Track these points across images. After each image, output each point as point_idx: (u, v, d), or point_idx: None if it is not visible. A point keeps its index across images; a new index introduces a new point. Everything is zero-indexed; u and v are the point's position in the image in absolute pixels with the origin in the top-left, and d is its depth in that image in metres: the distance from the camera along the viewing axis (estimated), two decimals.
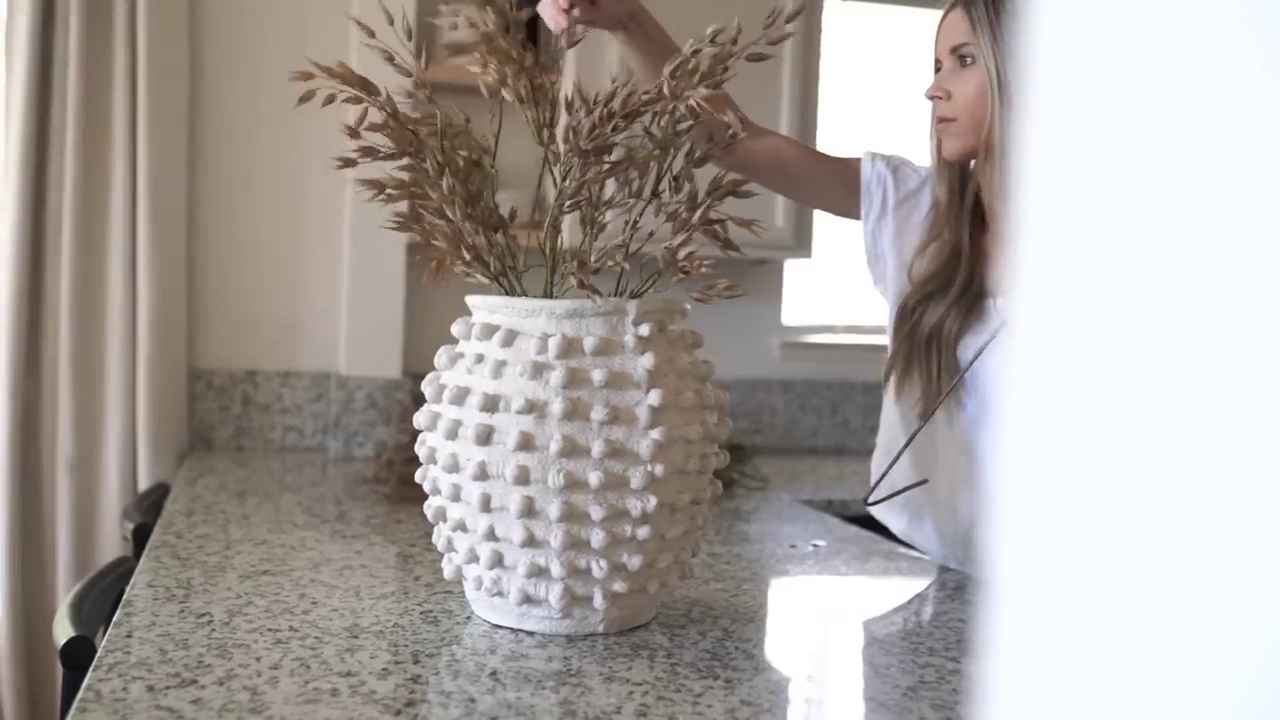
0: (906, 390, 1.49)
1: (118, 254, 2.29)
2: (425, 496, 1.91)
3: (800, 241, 2.63)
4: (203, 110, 2.43)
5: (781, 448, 2.90)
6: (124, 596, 1.27)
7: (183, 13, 2.35)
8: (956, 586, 1.48)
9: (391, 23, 1.23)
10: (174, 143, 2.34)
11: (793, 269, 2.94)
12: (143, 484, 2.30)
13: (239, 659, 1.06)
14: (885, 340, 3.05)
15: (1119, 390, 0.26)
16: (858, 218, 1.59)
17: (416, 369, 2.53)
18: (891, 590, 1.50)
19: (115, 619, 1.17)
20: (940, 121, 1.43)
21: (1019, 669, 0.29)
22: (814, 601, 1.48)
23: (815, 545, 1.73)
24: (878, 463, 1.67)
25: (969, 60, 1.40)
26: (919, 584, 1.50)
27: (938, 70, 1.46)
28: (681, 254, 1.18)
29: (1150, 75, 0.26)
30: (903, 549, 1.68)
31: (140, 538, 1.77)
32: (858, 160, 1.60)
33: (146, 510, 1.95)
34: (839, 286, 3.04)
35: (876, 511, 1.72)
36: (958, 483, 1.50)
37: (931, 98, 1.44)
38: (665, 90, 1.18)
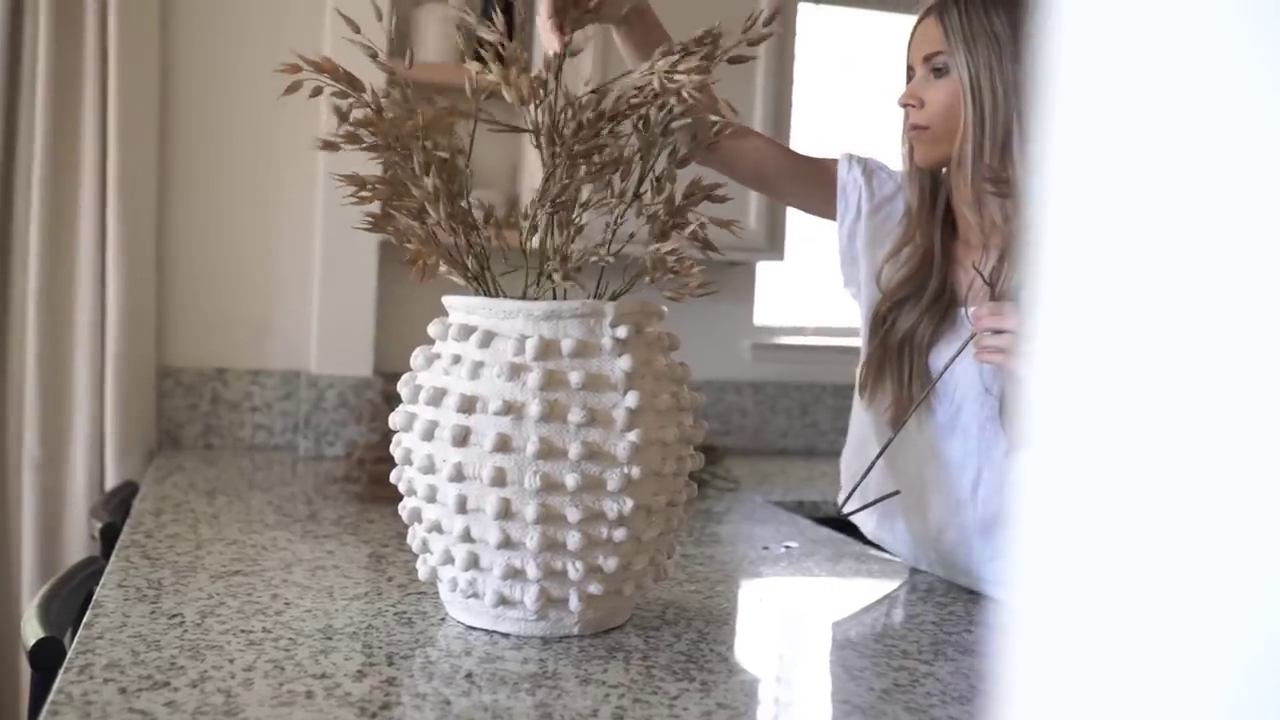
0: (879, 397, 1.50)
1: (87, 250, 2.26)
2: (397, 496, 1.90)
3: (772, 243, 2.64)
4: (174, 106, 2.41)
5: (751, 449, 2.91)
6: (94, 597, 1.25)
7: (154, 7, 2.33)
8: (927, 589, 1.49)
9: (380, 18, 1.22)
10: (144, 139, 2.32)
11: (764, 270, 2.95)
12: (110, 482, 2.28)
13: (212, 661, 1.05)
14: (855, 343, 3.06)
15: (1138, 399, 0.26)
16: (834, 219, 1.60)
17: (388, 368, 2.52)
18: (863, 592, 1.51)
19: (85, 620, 1.16)
20: (913, 129, 1.44)
21: (1039, 679, 0.30)
22: (787, 603, 1.49)
23: (787, 547, 1.74)
24: (847, 466, 1.68)
25: (942, 69, 1.40)
26: (890, 586, 1.51)
27: (910, 77, 1.47)
28: (670, 255, 1.18)
29: (1168, 78, 0.26)
30: (874, 551, 1.69)
31: (108, 537, 1.75)
32: (834, 162, 1.61)
33: (114, 509, 1.94)
34: (810, 288, 3.05)
35: (846, 512, 1.73)
36: (928, 489, 1.51)
37: (904, 105, 1.44)
38: (656, 83, 1.18)
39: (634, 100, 1.22)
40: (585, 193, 1.26)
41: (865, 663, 1.17)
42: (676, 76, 1.17)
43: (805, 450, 3.00)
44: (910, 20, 1.48)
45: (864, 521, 1.68)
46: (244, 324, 2.49)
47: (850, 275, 1.60)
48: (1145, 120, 0.27)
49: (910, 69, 1.46)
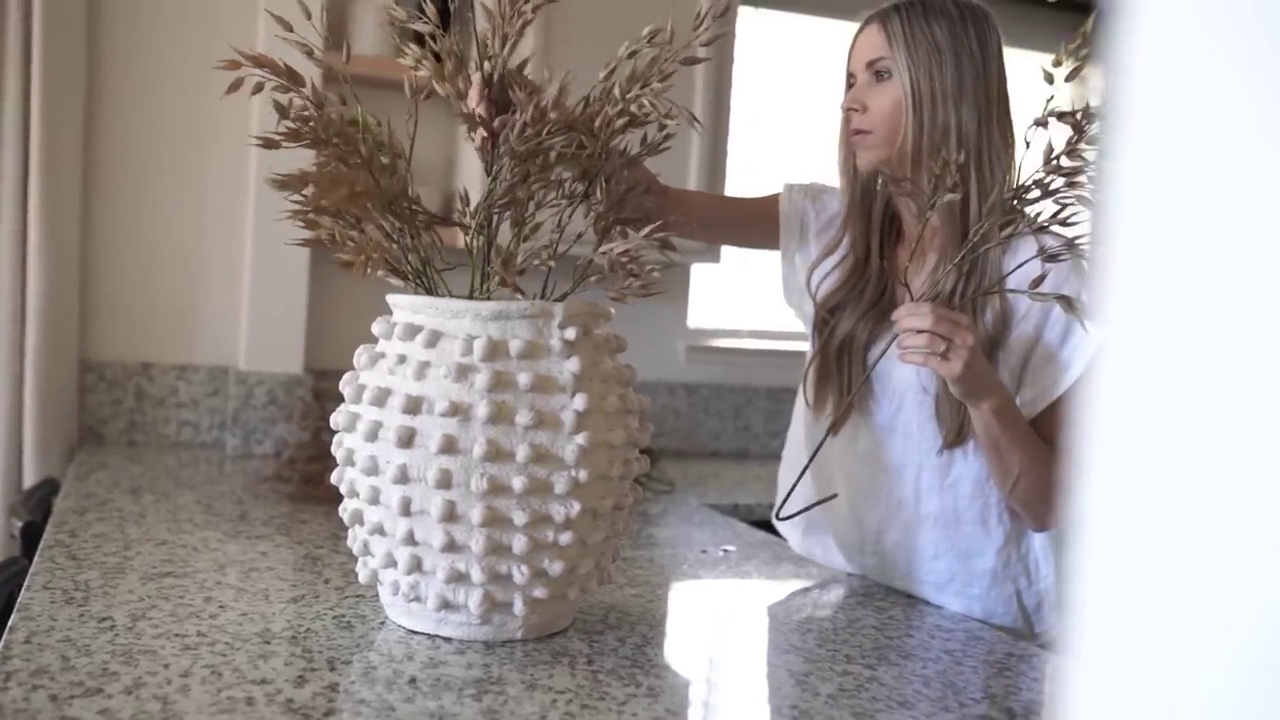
0: (823, 403, 1.51)
1: (6, 240, 2.19)
2: (330, 496, 1.88)
3: (709, 246, 2.64)
4: (101, 97, 2.34)
5: (685, 451, 2.91)
6: (18, 600, 1.21)
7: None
8: (866, 593, 1.50)
9: (309, 16, 1.19)
10: (69, 130, 2.25)
11: (699, 273, 2.96)
12: (28, 480, 2.21)
13: (146, 666, 1.02)
14: (789, 346, 3.09)
15: (1205, 405, 0.26)
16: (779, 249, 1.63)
17: (319, 365, 2.48)
18: (804, 597, 1.51)
19: (11, 623, 1.12)
20: (855, 134, 1.45)
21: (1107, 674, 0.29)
22: (729, 608, 1.49)
23: (725, 550, 1.74)
24: (784, 476, 1.69)
25: (885, 74, 1.42)
26: (830, 590, 1.52)
27: (851, 84, 1.48)
28: (624, 257, 1.17)
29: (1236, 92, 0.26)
30: (805, 549, 1.70)
31: (29, 537, 1.69)
32: (776, 197, 1.63)
33: (34, 507, 1.88)
34: (745, 291, 3.06)
35: (777, 525, 1.73)
36: (860, 494, 1.52)
37: (847, 110, 1.46)
38: (616, 93, 1.17)
39: (585, 109, 1.21)
40: (540, 193, 1.25)
41: (810, 668, 1.17)
42: (638, 90, 1.17)
43: (738, 453, 3.01)
44: (848, 26, 1.49)
45: (791, 535, 1.70)
46: (170, 318, 2.43)
47: (792, 299, 1.62)
48: (1211, 133, 0.27)
49: (851, 76, 1.48)
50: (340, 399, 2.20)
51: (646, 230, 1.18)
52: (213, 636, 1.12)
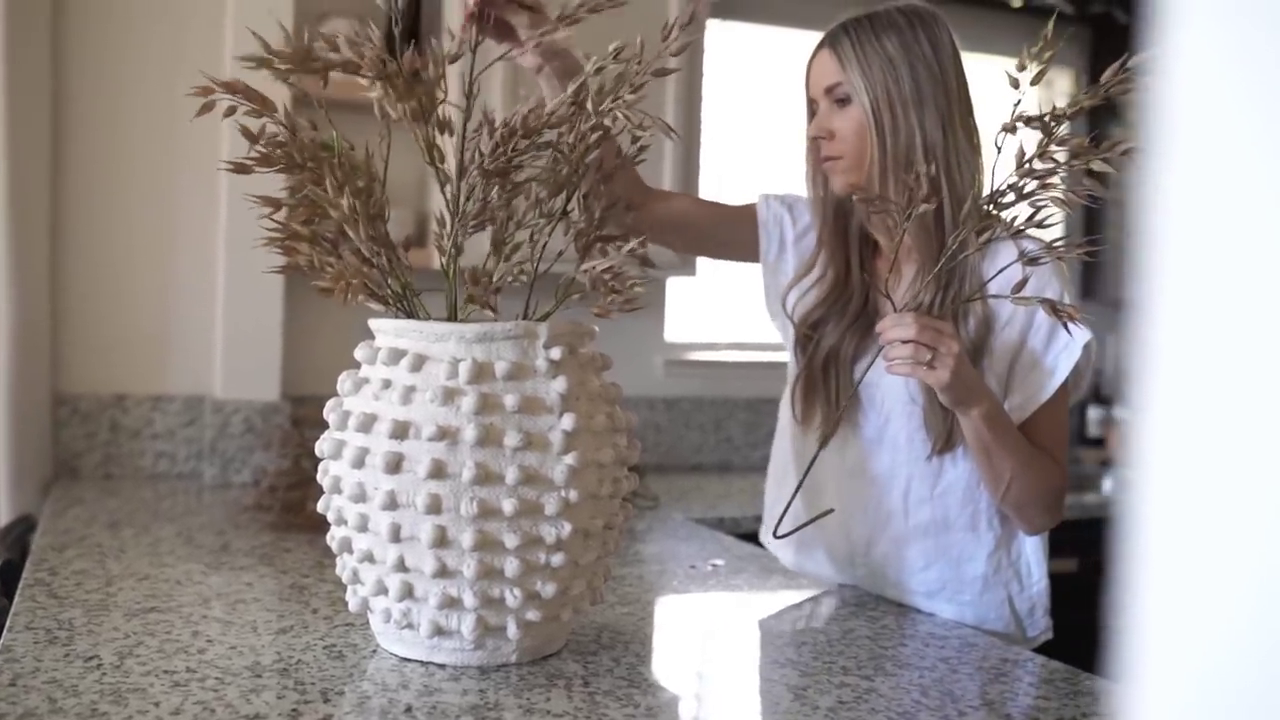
0: (811, 418, 1.51)
1: None
2: (311, 524, 1.86)
3: (684, 259, 2.63)
4: (68, 125, 2.32)
5: (666, 465, 2.90)
6: (0, 641, 1.19)
7: (45, 25, 2.24)
8: (857, 603, 1.49)
9: (287, 40, 1.18)
10: (36, 159, 2.22)
11: (676, 286, 2.95)
12: (3, 517, 2.18)
13: (136, 705, 1.00)
14: (767, 357, 3.10)
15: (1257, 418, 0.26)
16: (759, 260, 1.62)
17: (297, 391, 2.46)
18: (795, 609, 1.51)
19: None
20: (826, 160, 1.46)
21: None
22: (721, 623, 1.48)
23: (714, 565, 1.73)
24: (771, 490, 1.69)
25: (844, 99, 1.43)
26: (822, 602, 1.52)
27: (812, 111, 1.49)
28: (608, 273, 1.16)
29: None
30: (793, 563, 1.69)
31: (8, 576, 1.66)
32: (753, 205, 1.64)
33: (11, 545, 1.84)
34: (722, 303, 3.06)
35: (767, 544, 1.73)
36: (854, 505, 1.52)
37: (816, 138, 1.46)
38: (589, 107, 1.17)
39: (552, 118, 1.21)
40: (520, 211, 1.24)
41: (808, 681, 1.17)
42: (611, 102, 1.16)
43: (720, 466, 3.01)
44: (816, 36, 1.50)
45: (783, 553, 1.69)
46: (144, 348, 2.40)
47: (775, 310, 1.61)
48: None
49: (812, 103, 1.49)
50: (319, 425, 2.18)
51: (628, 247, 1.18)
52: (202, 672, 1.10)
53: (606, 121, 1.17)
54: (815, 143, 1.47)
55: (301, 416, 2.33)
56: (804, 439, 1.53)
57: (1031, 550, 1.48)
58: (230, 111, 1.16)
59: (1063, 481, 1.41)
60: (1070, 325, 1.27)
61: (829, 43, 1.45)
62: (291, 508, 1.94)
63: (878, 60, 1.40)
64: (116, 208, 2.37)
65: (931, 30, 1.42)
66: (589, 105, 1.17)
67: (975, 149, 1.42)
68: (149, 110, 2.37)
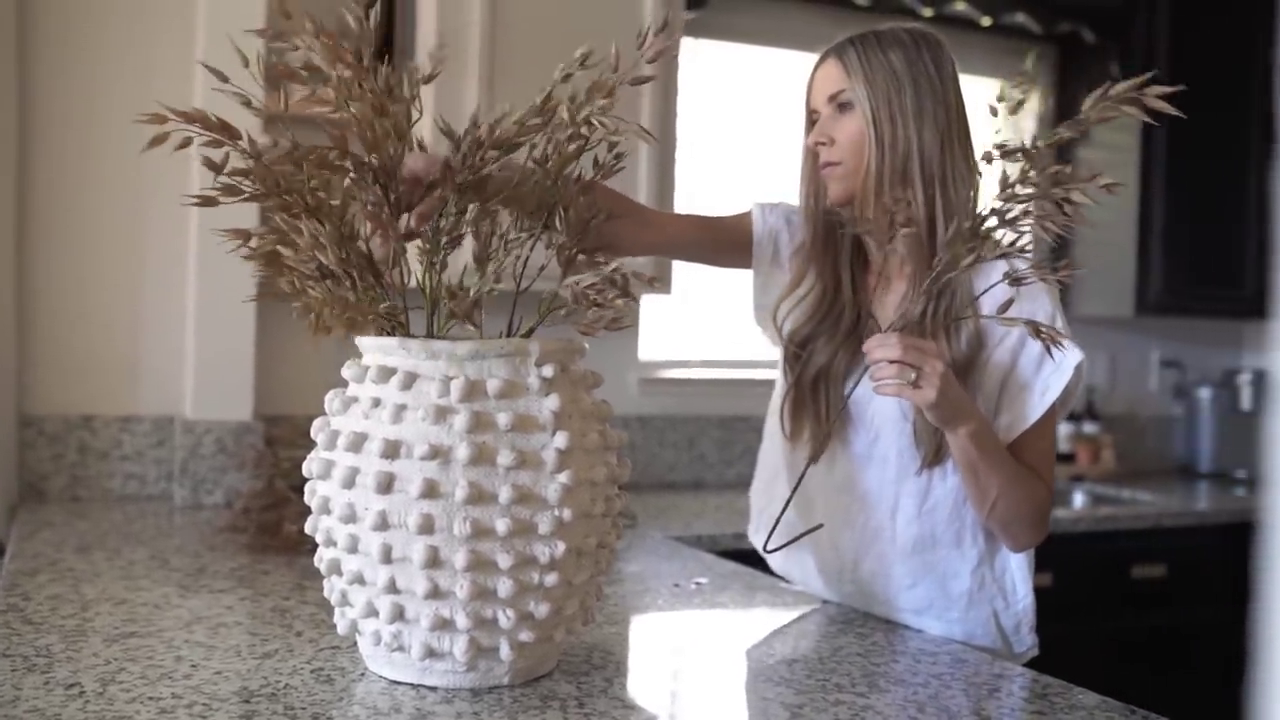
0: (800, 433, 1.51)
1: None
2: (288, 545, 1.84)
3: (659, 277, 2.63)
4: (34, 140, 2.28)
5: (641, 483, 2.89)
6: None
7: (10, 40, 2.21)
8: (845, 620, 1.49)
9: (246, 64, 1.15)
10: (2, 172, 2.19)
11: (650, 304, 2.95)
12: None
13: None
14: (740, 375, 3.10)
15: None
16: (750, 268, 1.62)
17: (269, 411, 2.42)
18: (784, 627, 1.50)
19: None
20: (825, 167, 1.47)
21: None
22: (711, 641, 1.47)
23: (698, 583, 1.72)
24: (757, 501, 1.68)
25: (847, 105, 1.44)
26: (809, 619, 1.51)
27: (812, 122, 1.50)
28: (591, 289, 1.15)
29: None
30: (784, 584, 1.69)
31: None
32: (747, 215, 1.63)
33: None
34: (695, 322, 3.06)
35: (755, 542, 1.72)
36: (842, 521, 1.51)
37: (815, 145, 1.47)
38: (565, 115, 1.16)
39: (525, 124, 1.19)
40: (503, 225, 1.23)
41: (803, 699, 1.16)
42: (586, 108, 1.15)
43: (693, 483, 3.00)
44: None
45: (772, 556, 1.68)
46: (112, 367, 2.37)
47: (764, 319, 1.61)
48: None
49: (813, 113, 1.50)
50: (294, 445, 2.17)
51: (608, 270, 1.17)
52: (189, 698, 1.08)
53: (584, 130, 1.17)
54: (813, 152, 1.49)
55: (275, 436, 2.30)
56: (794, 454, 1.52)
57: (1016, 566, 1.48)
58: (185, 143, 1.14)
59: (1048, 498, 1.42)
60: (1054, 348, 1.28)
61: (835, 53, 1.47)
62: (267, 529, 1.91)
63: (882, 71, 1.42)
64: (85, 224, 2.33)
65: (935, 52, 1.45)
66: (565, 113, 1.16)
67: (971, 170, 1.43)
68: (118, 128, 2.33)
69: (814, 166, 1.50)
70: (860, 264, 1.53)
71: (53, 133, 2.30)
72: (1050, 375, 1.38)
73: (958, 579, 1.46)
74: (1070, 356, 1.37)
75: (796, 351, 1.52)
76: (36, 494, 2.29)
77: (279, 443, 2.21)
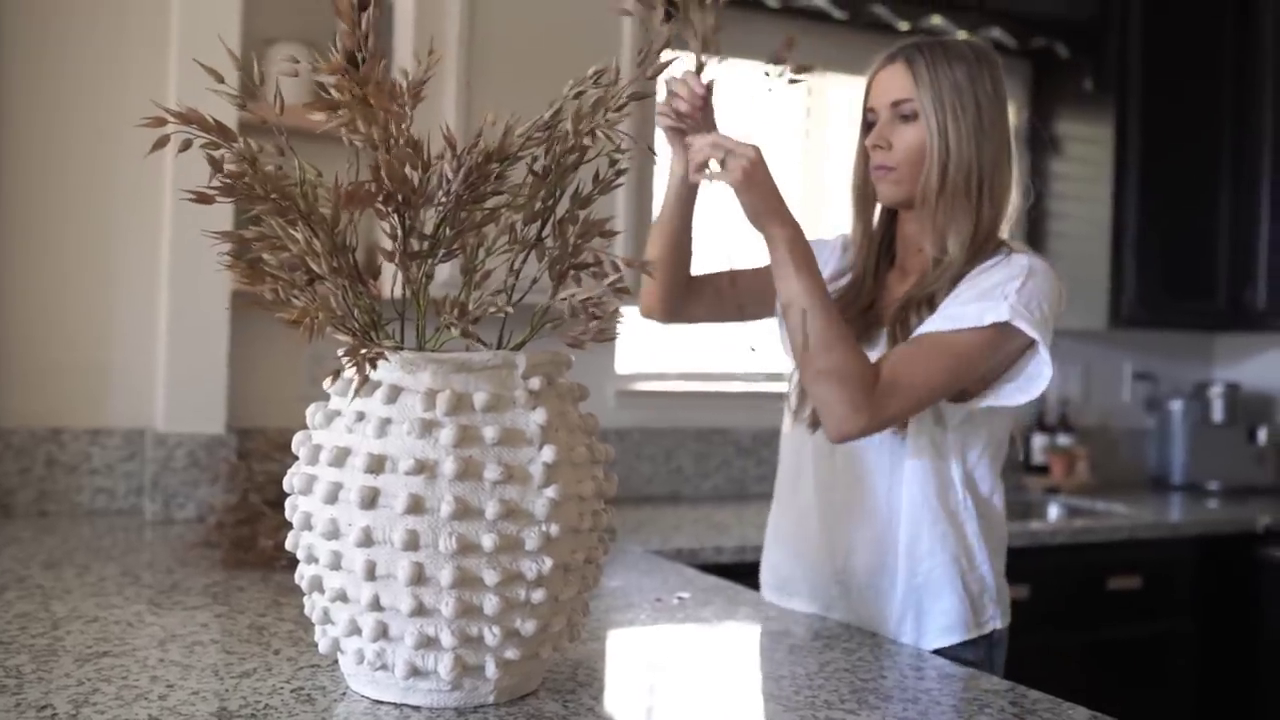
0: (802, 409, 1.57)
1: None
2: (263, 560, 1.81)
3: (636, 290, 2.62)
4: (3, 144, 2.24)
5: (617, 497, 2.86)
6: None
7: None
8: (830, 635, 1.48)
9: (255, 76, 1.13)
10: None
11: (626, 316, 2.93)
12: None
13: None
14: (716, 387, 3.09)
15: None
16: None
17: (243, 424, 2.39)
18: (769, 641, 1.49)
19: None
20: (879, 169, 1.52)
21: None
22: (697, 657, 1.45)
23: (680, 597, 1.71)
24: (771, 551, 1.71)
25: (909, 116, 1.49)
26: (792, 634, 1.50)
27: (871, 120, 1.55)
28: (588, 301, 1.14)
29: None
30: (767, 599, 1.68)
31: None
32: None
33: None
34: (672, 334, 3.05)
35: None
36: (834, 518, 1.54)
37: (874, 147, 1.52)
38: (568, 127, 1.15)
39: (530, 140, 1.18)
40: (490, 237, 1.21)
41: (793, 715, 1.14)
42: (592, 118, 1.14)
43: (670, 496, 2.99)
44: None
45: (766, 589, 1.70)
46: (82, 379, 2.33)
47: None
48: None
49: (872, 112, 1.54)
50: (268, 458, 2.13)
51: (610, 280, 1.15)
52: (166, 719, 1.05)
53: (586, 141, 1.15)
54: (870, 151, 1.54)
55: (249, 450, 2.27)
56: (795, 430, 1.59)
57: (974, 535, 1.51)
58: (186, 145, 1.12)
59: (873, 382, 1.39)
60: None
61: (903, 57, 1.51)
62: (241, 544, 1.88)
63: (949, 85, 1.47)
64: (54, 232, 2.30)
65: (994, 71, 1.51)
66: (569, 126, 1.15)
67: (1015, 186, 1.52)
68: (88, 138, 2.30)
69: (867, 165, 1.56)
70: (887, 259, 1.61)
71: (22, 139, 2.27)
72: (985, 310, 1.40)
73: (932, 549, 1.50)
74: (991, 311, 1.39)
75: None
76: (3, 509, 2.25)
77: (253, 456, 2.18)
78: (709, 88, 1.51)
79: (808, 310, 1.39)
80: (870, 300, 1.57)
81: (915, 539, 1.50)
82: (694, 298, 1.68)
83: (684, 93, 1.49)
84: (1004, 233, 1.52)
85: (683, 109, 1.49)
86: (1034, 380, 1.44)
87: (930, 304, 1.47)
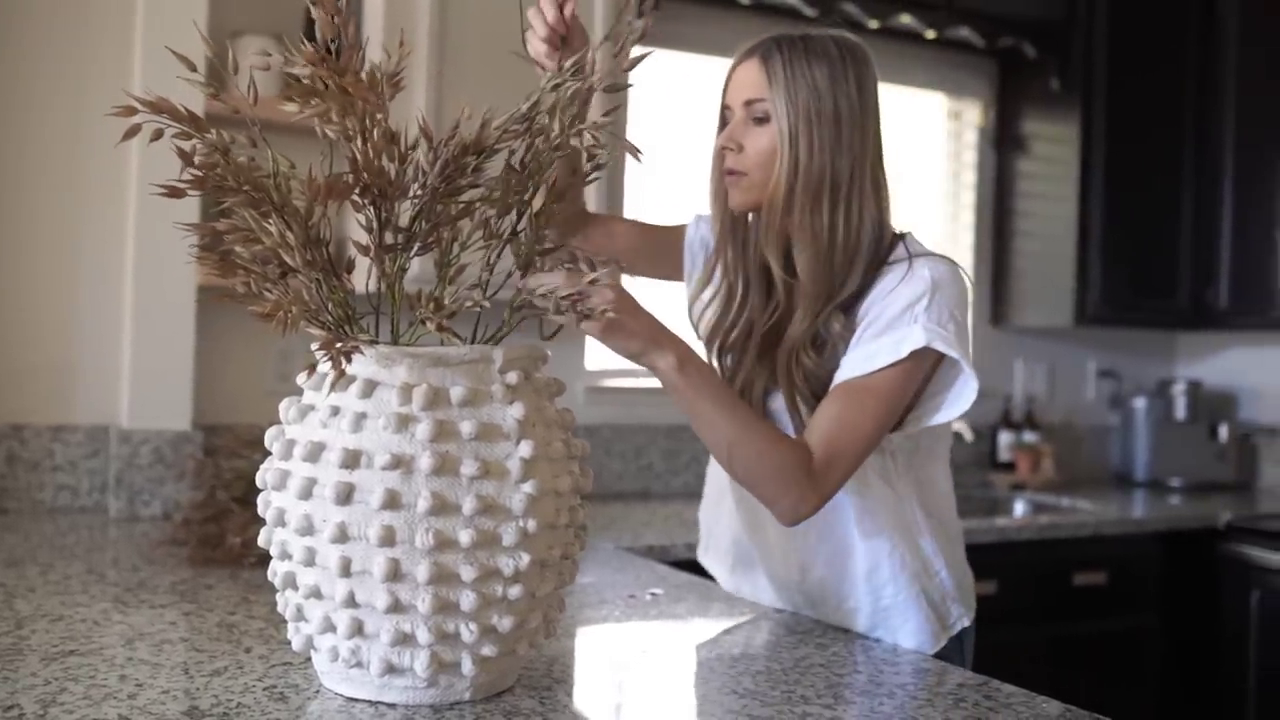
0: None
1: None
2: (230, 558, 1.78)
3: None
4: None
5: (589, 494, 2.86)
6: None
7: None
8: (804, 630, 1.48)
9: (230, 67, 1.12)
10: None
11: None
12: None
13: None
14: None
15: None
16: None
17: (209, 420, 2.36)
18: (743, 637, 1.48)
19: None
20: (729, 174, 1.43)
21: None
22: (671, 653, 1.45)
23: (653, 594, 1.70)
24: (704, 520, 1.68)
25: (762, 118, 1.39)
26: (766, 629, 1.50)
27: (725, 118, 1.46)
28: (571, 296, 1.13)
29: None
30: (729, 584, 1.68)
31: None
32: (684, 226, 1.65)
33: None
34: None
35: (704, 562, 1.72)
36: (788, 531, 1.49)
37: (724, 148, 1.43)
38: (555, 125, 1.14)
39: (507, 132, 1.17)
40: (465, 231, 1.20)
41: (771, 712, 1.14)
42: (569, 114, 1.14)
43: (641, 493, 2.98)
44: (713, 60, 1.50)
45: (721, 573, 1.69)
46: (44, 376, 2.29)
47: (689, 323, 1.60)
48: None
49: (727, 109, 1.45)
50: (235, 455, 2.10)
51: (599, 273, 1.15)
52: (136, 719, 1.03)
53: (574, 141, 1.15)
54: (723, 151, 1.44)
55: (215, 446, 2.24)
56: None
57: (929, 547, 1.47)
58: (158, 135, 1.10)
59: (809, 463, 1.31)
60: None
61: (760, 54, 1.41)
62: (208, 541, 1.85)
63: (805, 89, 1.37)
64: (15, 225, 2.26)
65: (860, 69, 1.40)
66: (557, 123, 1.14)
67: (879, 192, 1.41)
68: (52, 132, 2.27)
69: (722, 166, 1.45)
70: (759, 272, 1.48)
71: None
72: (883, 346, 1.33)
73: (888, 562, 1.45)
74: (907, 340, 1.31)
75: (718, 358, 1.50)
76: None
77: (220, 453, 2.15)
78: (567, 9, 1.38)
79: (721, 427, 1.31)
80: (749, 330, 1.47)
81: (875, 568, 1.45)
82: (582, 237, 1.55)
83: (539, 24, 1.37)
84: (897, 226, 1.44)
85: (541, 38, 1.37)
86: (961, 395, 1.37)
87: (815, 344, 1.39)
